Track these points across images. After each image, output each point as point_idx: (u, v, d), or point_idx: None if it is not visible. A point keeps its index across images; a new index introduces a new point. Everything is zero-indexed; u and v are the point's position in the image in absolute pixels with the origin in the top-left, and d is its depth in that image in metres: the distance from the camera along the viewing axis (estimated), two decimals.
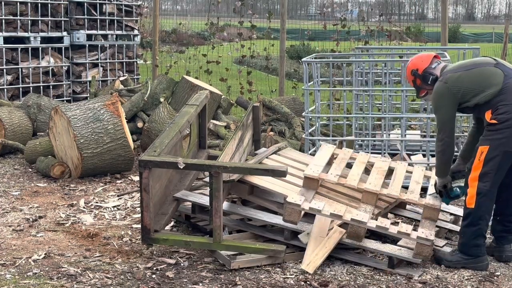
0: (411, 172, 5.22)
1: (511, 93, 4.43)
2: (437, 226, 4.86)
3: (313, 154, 6.47)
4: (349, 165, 5.23)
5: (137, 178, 6.79)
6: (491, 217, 4.74)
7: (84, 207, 5.86)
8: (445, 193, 4.79)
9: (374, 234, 4.83)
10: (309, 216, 4.70)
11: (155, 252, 4.72)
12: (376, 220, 4.54)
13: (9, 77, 9.42)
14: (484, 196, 4.46)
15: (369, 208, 4.66)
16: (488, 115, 4.46)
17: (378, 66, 8.32)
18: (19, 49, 9.49)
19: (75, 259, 4.57)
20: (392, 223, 4.63)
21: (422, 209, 4.89)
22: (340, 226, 4.64)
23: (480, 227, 4.50)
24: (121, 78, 9.60)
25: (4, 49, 9.26)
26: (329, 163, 5.18)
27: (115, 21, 10.67)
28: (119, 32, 10.76)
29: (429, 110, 6.64)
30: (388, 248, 4.52)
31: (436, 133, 4.69)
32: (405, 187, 5.03)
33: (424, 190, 5.15)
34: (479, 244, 4.51)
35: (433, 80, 4.70)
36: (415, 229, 4.55)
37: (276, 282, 4.22)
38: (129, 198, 6.18)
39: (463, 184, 4.73)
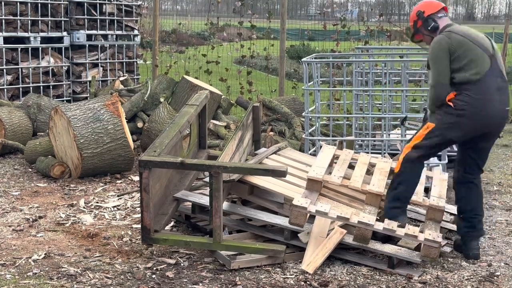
0: None
1: (482, 88, 4.44)
2: None
3: (313, 154, 6.46)
4: (350, 166, 5.22)
5: (137, 178, 6.79)
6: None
7: (84, 207, 5.86)
8: None
9: (373, 234, 4.81)
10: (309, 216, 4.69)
11: (155, 252, 4.71)
12: (383, 222, 4.53)
13: (9, 77, 9.42)
14: (408, 163, 4.58)
15: (373, 210, 4.65)
16: (450, 96, 4.47)
17: (378, 66, 8.32)
18: (19, 49, 9.48)
19: (75, 259, 4.57)
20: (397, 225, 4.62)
21: (425, 209, 4.89)
22: (341, 226, 4.63)
23: (399, 191, 4.63)
24: (121, 78, 9.59)
25: (4, 49, 9.26)
26: (331, 164, 5.17)
27: (115, 21, 10.66)
28: (119, 32, 10.75)
29: None
30: (388, 248, 4.52)
31: (431, 84, 4.56)
32: None
33: (426, 190, 5.15)
34: (396, 206, 4.64)
35: (433, 28, 4.67)
36: (421, 231, 4.54)
37: (276, 282, 4.22)
38: (129, 198, 6.17)
39: None
